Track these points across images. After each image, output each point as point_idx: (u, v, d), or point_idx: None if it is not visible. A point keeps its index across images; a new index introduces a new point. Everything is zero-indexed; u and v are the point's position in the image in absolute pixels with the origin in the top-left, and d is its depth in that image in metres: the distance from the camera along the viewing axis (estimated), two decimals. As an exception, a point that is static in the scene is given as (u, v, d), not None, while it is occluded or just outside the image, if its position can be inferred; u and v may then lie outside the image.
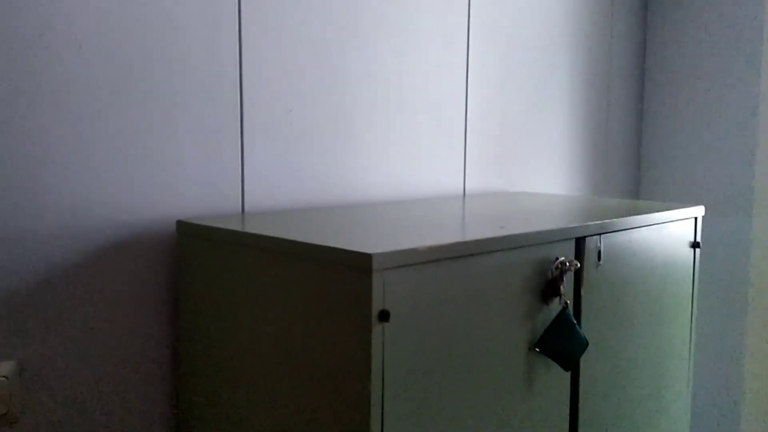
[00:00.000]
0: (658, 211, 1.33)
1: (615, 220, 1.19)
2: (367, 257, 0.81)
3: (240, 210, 1.23)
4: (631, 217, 1.24)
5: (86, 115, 1.04)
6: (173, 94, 1.13)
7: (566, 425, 1.14)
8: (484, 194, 1.67)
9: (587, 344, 1.09)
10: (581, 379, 1.16)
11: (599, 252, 1.17)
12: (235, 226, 1.04)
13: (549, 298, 1.07)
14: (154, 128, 1.11)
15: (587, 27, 1.99)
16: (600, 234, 1.17)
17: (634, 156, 2.25)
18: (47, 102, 1.00)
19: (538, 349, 1.05)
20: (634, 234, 1.26)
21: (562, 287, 1.06)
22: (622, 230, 1.22)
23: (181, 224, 1.10)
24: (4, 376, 0.98)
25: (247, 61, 1.21)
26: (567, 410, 1.13)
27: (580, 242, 1.13)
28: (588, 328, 1.16)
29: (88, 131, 1.04)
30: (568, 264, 1.07)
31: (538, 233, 1.04)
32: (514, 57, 1.76)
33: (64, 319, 1.04)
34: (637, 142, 2.25)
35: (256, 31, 1.22)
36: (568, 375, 1.13)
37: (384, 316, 0.82)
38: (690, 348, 1.47)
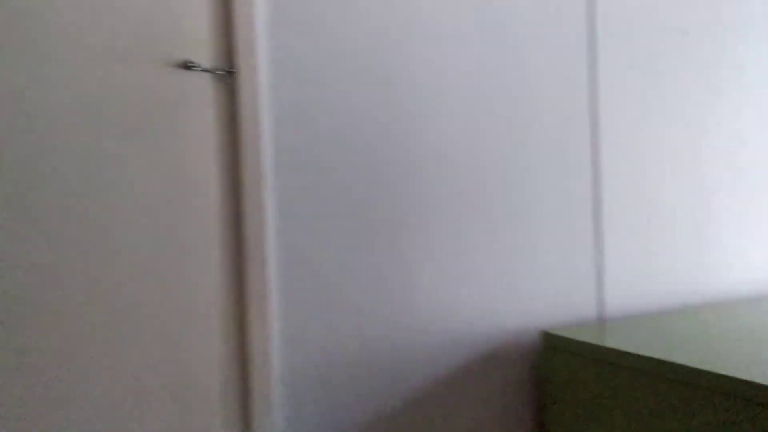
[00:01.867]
0: None
1: None
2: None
3: (597, 314, 1.19)
4: None
5: (448, 232, 1.10)
6: (533, 210, 1.15)
7: None
8: None
9: None
10: None
11: None
12: (597, 339, 1.01)
13: None
14: (516, 243, 1.14)
15: None
16: None
17: None
18: (412, 220, 1.08)
19: None
20: None
21: None
22: None
23: (544, 335, 1.10)
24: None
25: (605, 172, 1.20)
26: None
27: None
28: None
29: (453, 249, 1.10)
30: None
31: None
32: None
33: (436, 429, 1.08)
34: None
35: (610, 142, 1.21)
36: None
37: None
38: None
